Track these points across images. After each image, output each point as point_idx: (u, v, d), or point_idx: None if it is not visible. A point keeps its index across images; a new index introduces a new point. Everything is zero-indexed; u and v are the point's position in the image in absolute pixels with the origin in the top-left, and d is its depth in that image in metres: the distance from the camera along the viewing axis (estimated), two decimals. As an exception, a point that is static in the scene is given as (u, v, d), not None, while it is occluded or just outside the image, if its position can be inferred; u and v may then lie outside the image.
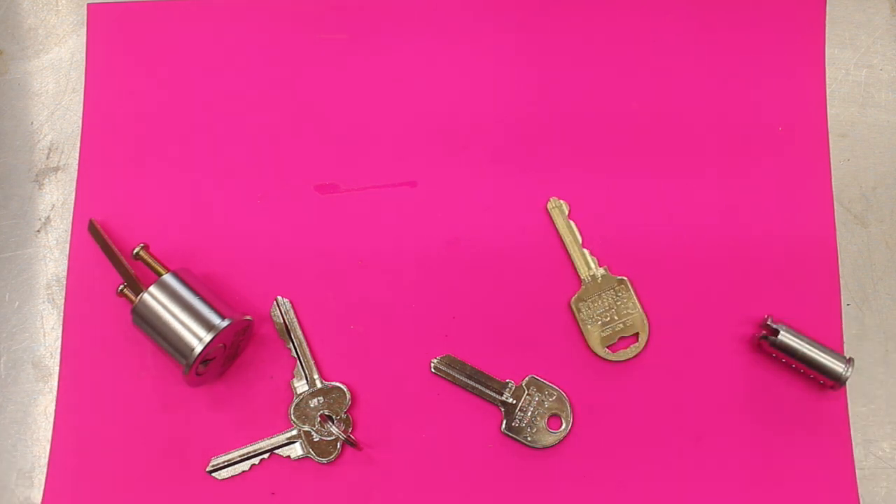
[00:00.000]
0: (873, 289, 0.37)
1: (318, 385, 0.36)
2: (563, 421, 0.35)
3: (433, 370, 0.36)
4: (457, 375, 0.36)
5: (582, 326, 0.36)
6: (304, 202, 0.39)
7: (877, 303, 0.37)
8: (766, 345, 0.35)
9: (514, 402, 0.35)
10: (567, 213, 0.38)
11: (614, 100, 0.39)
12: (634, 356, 0.36)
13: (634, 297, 0.37)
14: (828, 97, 0.39)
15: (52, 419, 0.36)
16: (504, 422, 0.35)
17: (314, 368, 0.36)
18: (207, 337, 0.33)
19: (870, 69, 0.40)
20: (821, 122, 0.39)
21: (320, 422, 0.36)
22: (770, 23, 0.40)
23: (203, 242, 0.38)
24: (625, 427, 0.36)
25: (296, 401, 0.36)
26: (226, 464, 0.36)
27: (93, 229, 0.38)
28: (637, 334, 0.36)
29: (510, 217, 0.38)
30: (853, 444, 0.35)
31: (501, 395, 0.35)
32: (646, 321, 0.36)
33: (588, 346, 0.36)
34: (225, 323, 0.34)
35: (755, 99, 0.39)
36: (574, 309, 0.37)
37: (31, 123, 0.40)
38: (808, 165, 0.38)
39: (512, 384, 0.36)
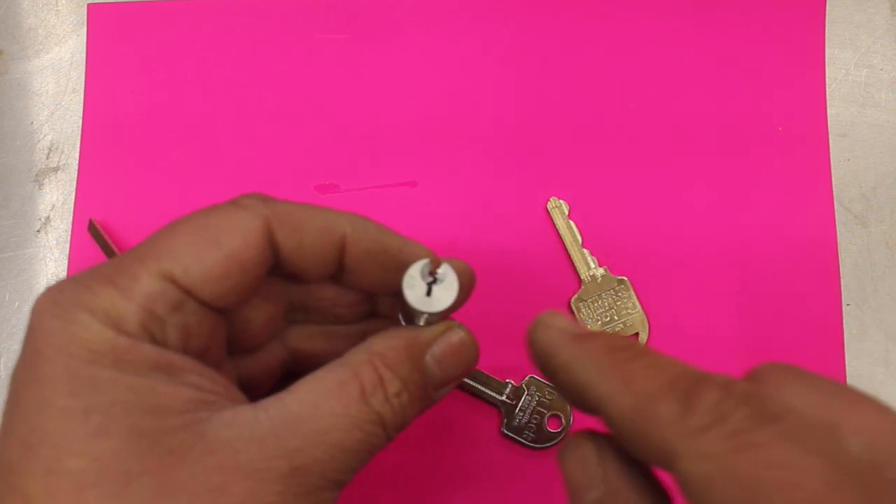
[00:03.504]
0: (873, 289, 0.37)
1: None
2: (563, 421, 0.35)
3: (433, 370, 0.36)
4: (457, 375, 0.36)
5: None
6: (304, 202, 0.38)
7: (877, 303, 0.37)
8: None
9: (514, 402, 0.36)
10: (567, 213, 0.38)
11: (614, 100, 0.39)
12: (634, 356, 0.36)
13: (634, 297, 0.37)
14: (828, 97, 0.39)
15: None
16: (504, 422, 0.35)
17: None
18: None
19: (870, 69, 0.40)
20: (821, 122, 0.39)
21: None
22: (770, 23, 0.40)
23: (203, 242, 0.38)
24: (625, 427, 0.36)
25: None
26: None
27: (93, 229, 0.38)
28: (637, 334, 0.36)
29: (510, 217, 0.38)
30: (853, 444, 0.35)
31: (501, 395, 0.35)
32: (646, 321, 0.36)
33: (588, 346, 0.36)
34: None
35: (755, 99, 0.39)
36: (574, 309, 0.37)
37: (31, 123, 0.40)
38: (808, 165, 0.38)
39: (512, 384, 0.36)
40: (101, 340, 0.19)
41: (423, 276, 0.23)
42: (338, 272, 0.24)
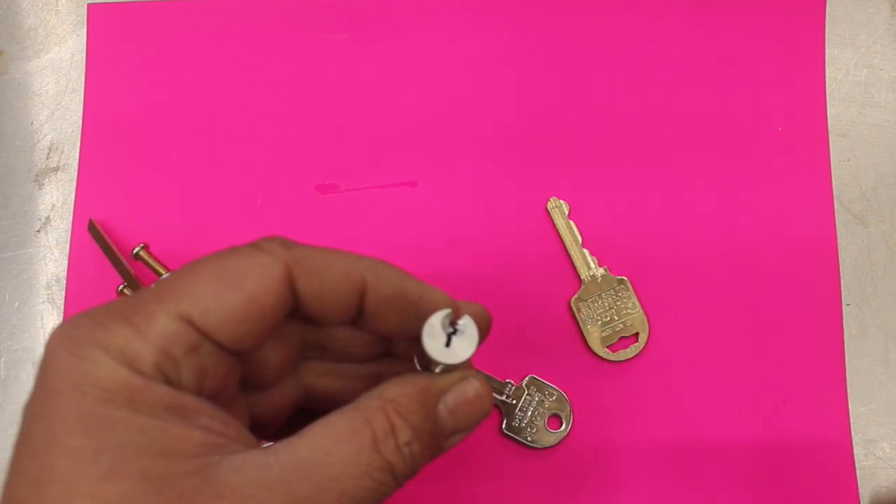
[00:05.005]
0: (873, 289, 0.37)
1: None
2: (563, 421, 0.35)
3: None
4: (457, 375, 0.36)
5: (582, 326, 0.36)
6: (304, 202, 0.39)
7: (877, 303, 0.37)
8: None
9: (514, 402, 0.36)
10: (567, 213, 0.38)
11: (614, 100, 0.39)
12: (634, 356, 0.36)
13: (634, 297, 0.37)
14: (828, 97, 0.39)
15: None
16: (504, 422, 0.35)
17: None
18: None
19: (870, 69, 0.40)
20: (821, 122, 0.39)
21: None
22: (770, 23, 0.40)
23: (203, 242, 0.38)
24: (625, 427, 0.36)
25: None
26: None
27: (93, 229, 0.38)
28: (637, 334, 0.36)
29: (510, 217, 0.38)
30: (853, 444, 0.35)
31: (501, 395, 0.35)
32: (646, 321, 0.36)
33: (588, 346, 0.36)
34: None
35: (755, 99, 0.39)
36: (574, 309, 0.37)
37: (31, 123, 0.40)
38: (808, 165, 0.38)
39: (512, 384, 0.36)
40: (114, 379, 0.19)
41: (443, 327, 0.23)
42: (356, 317, 0.24)
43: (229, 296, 0.21)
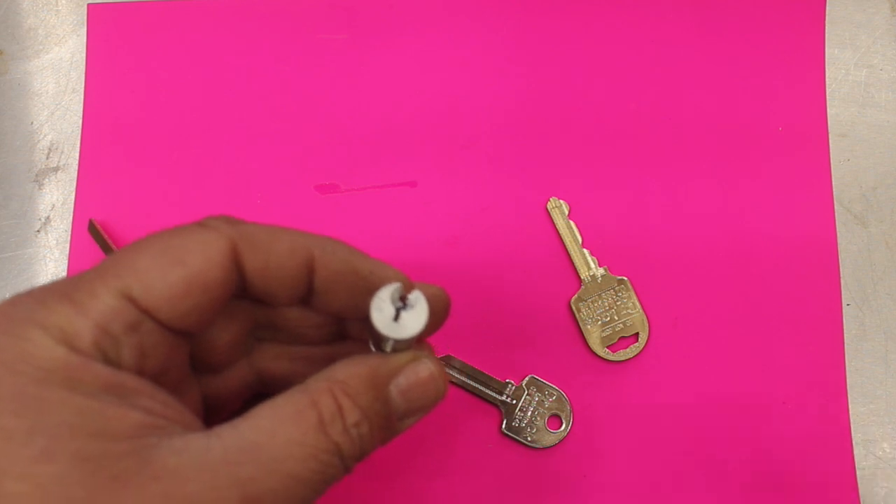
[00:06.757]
0: (873, 289, 0.37)
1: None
2: (563, 421, 0.35)
3: (433, 370, 0.36)
4: (456, 375, 0.36)
5: (582, 326, 0.36)
6: (304, 202, 0.39)
7: (877, 303, 0.37)
8: None
9: (514, 402, 0.36)
10: (567, 213, 0.38)
11: (614, 100, 0.39)
12: (634, 356, 0.36)
13: (634, 297, 0.37)
14: (828, 97, 0.39)
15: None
16: (504, 422, 0.35)
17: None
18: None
19: (870, 69, 0.40)
20: (821, 122, 0.39)
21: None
22: (770, 23, 0.40)
23: (203, 242, 0.38)
24: (625, 427, 0.36)
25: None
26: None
27: (93, 229, 0.38)
28: (637, 334, 0.36)
29: (510, 217, 0.38)
30: (853, 444, 0.35)
31: (501, 395, 0.35)
32: (646, 321, 0.36)
33: (588, 346, 0.36)
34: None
35: (755, 99, 0.39)
36: (574, 309, 0.37)
37: (31, 123, 0.40)
38: (808, 165, 0.38)
39: (512, 384, 0.36)
40: (51, 358, 0.19)
41: (392, 301, 0.22)
42: (307, 295, 0.23)
43: (172, 272, 0.20)
